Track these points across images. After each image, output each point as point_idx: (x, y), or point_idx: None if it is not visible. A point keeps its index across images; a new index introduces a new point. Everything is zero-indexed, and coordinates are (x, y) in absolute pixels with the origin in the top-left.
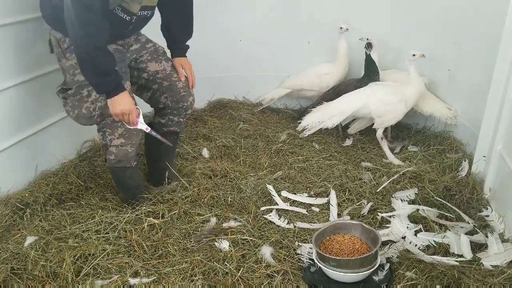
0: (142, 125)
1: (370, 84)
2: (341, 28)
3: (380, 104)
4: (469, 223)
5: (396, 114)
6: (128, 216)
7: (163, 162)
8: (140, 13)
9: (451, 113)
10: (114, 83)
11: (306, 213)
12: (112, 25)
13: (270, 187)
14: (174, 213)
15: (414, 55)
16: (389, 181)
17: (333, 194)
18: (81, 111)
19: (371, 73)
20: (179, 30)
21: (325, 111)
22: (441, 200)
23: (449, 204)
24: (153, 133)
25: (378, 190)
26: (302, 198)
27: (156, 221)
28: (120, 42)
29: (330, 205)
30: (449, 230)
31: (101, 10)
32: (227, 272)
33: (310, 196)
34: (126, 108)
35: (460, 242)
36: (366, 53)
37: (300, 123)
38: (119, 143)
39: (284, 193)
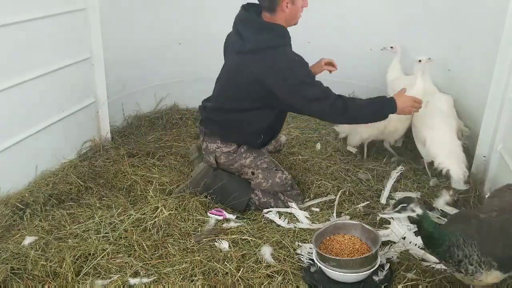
0: (229, 215)
1: None
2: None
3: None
4: None
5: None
6: (128, 216)
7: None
8: None
9: (466, 132)
10: (386, 102)
11: (308, 216)
12: (275, 124)
13: None
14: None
15: (420, 60)
16: (390, 181)
17: (332, 194)
18: (274, 180)
19: None
20: None
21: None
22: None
23: (448, 205)
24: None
25: (377, 190)
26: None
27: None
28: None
29: (330, 205)
30: None
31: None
32: (227, 272)
33: (311, 199)
34: (410, 99)
35: None
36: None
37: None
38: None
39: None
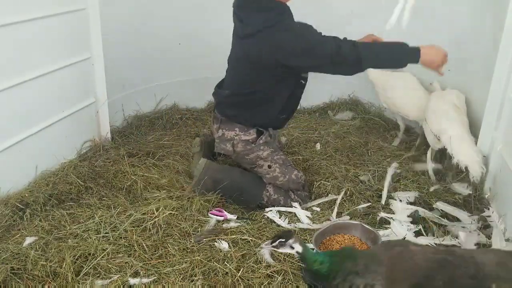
0: (230, 215)
1: None
2: None
3: None
4: (470, 223)
5: None
6: (128, 216)
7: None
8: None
9: None
10: (408, 49)
11: (309, 216)
12: (296, 94)
13: None
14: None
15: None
16: (387, 179)
17: (333, 194)
18: (291, 176)
19: None
20: None
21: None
22: (441, 202)
23: (449, 205)
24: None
25: (377, 190)
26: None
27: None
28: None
29: (330, 205)
30: (449, 230)
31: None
32: (227, 272)
33: (311, 200)
34: (436, 52)
35: (462, 242)
36: None
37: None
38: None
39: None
